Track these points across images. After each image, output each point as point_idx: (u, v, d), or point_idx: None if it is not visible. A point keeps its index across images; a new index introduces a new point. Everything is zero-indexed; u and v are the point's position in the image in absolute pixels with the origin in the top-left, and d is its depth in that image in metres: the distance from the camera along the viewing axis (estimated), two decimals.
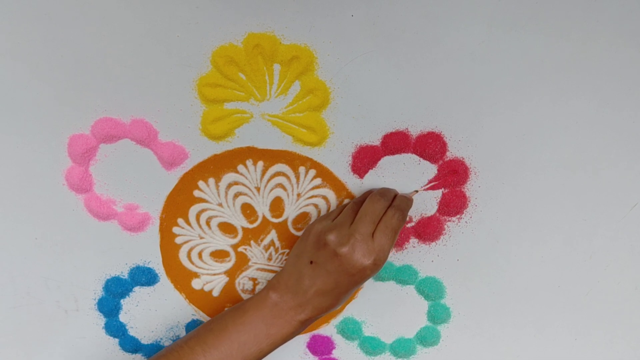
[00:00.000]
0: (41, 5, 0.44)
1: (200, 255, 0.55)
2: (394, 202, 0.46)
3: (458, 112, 0.46)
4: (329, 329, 0.58)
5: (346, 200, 0.51)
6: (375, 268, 0.44)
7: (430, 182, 0.49)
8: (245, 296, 0.57)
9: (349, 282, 0.45)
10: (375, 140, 0.48)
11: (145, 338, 0.60)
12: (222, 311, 0.57)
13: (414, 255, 0.53)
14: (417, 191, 0.49)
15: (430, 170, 0.49)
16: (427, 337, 0.57)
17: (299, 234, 0.53)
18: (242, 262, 0.55)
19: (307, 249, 0.46)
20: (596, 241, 0.51)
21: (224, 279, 0.56)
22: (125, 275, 0.56)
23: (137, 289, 0.57)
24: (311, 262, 0.45)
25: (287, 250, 0.54)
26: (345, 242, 0.43)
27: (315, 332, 0.58)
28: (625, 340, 0.55)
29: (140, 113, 0.48)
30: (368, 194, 0.48)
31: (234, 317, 0.47)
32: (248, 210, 0.52)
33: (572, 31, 0.42)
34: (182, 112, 0.48)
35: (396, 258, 0.53)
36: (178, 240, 0.54)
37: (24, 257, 0.56)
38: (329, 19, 0.43)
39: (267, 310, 0.46)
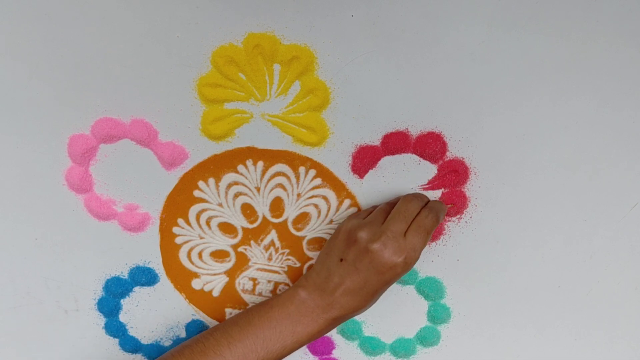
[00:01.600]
0: (41, 5, 0.44)
1: (200, 255, 0.55)
2: (428, 204, 0.47)
3: (458, 112, 0.46)
4: None
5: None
6: (406, 267, 0.44)
7: (429, 182, 0.49)
8: (245, 296, 0.57)
9: (378, 281, 0.44)
10: (375, 140, 0.48)
11: (145, 338, 0.60)
12: (223, 311, 0.57)
13: None
14: (453, 205, 0.49)
15: (430, 170, 0.49)
16: (427, 337, 0.57)
17: (299, 234, 0.53)
18: (242, 262, 0.55)
19: (337, 247, 0.46)
20: (596, 241, 0.51)
21: (224, 279, 0.56)
22: (125, 275, 0.56)
23: (137, 289, 0.57)
24: (341, 260, 0.45)
25: (287, 250, 0.54)
26: (377, 238, 0.43)
27: None
28: (625, 340, 0.55)
29: (140, 113, 0.48)
30: (399, 198, 0.48)
31: (260, 313, 0.47)
32: (248, 210, 0.52)
33: (572, 31, 0.42)
34: (182, 112, 0.48)
35: None
36: (178, 240, 0.54)
37: (24, 257, 0.56)
38: (329, 19, 0.43)
39: (293, 308, 0.46)
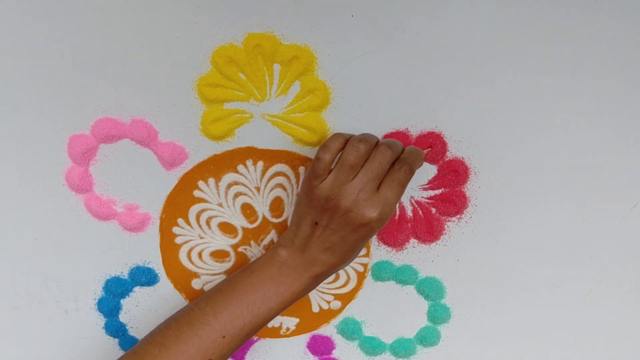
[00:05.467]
0: (41, 5, 0.44)
1: (200, 255, 0.55)
2: (402, 155, 0.45)
3: (458, 112, 0.46)
4: (329, 329, 0.58)
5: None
6: (380, 222, 0.43)
7: (430, 182, 0.49)
8: None
9: (355, 238, 0.44)
10: None
11: None
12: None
13: (414, 255, 0.53)
14: (431, 148, 0.47)
15: (430, 170, 0.49)
16: (427, 337, 0.57)
17: None
18: (242, 262, 0.55)
19: (309, 212, 0.45)
20: (596, 241, 0.51)
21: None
22: (125, 275, 0.56)
23: (137, 289, 0.57)
24: (315, 224, 0.45)
25: None
26: (349, 197, 0.43)
27: (315, 332, 0.58)
28: (625, 340, 0.55)
29: (140, 113, 0.48)
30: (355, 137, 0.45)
31: (242, 278, 0.47)
32: (248, 211, 0.52)
33: (572, 31, 0.42)
34: (182, 112, 0.48)
35: (396, 258, 0.53)
36: (178, 240, 0.54)
37: (24, 257, 0.56)
38: (329, 19, 0.43)
39: (275, 269, 0.46)
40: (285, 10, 0.43)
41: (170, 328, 0.46)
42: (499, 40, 0.43)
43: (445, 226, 0.51)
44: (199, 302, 0.47)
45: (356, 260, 0.53)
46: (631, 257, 0.51)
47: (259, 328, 0.47)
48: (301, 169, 0.50)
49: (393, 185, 0.43)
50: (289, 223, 0.53)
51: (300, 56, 0.45)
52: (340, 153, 0.44)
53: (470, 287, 0.54)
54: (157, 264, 0.56)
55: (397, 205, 0.50)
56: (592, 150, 0.47)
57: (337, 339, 0.58)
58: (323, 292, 0.55)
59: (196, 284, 0.56)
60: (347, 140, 0.44)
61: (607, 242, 0.51)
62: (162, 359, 0.44)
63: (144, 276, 0.56)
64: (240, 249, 0.54)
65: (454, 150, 0.48)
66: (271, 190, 0.51)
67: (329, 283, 0.55)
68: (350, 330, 0.57)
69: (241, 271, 0.48)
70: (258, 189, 0.51)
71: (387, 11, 0.42)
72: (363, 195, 0.43)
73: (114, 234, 0.54)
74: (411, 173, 0.44)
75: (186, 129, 0.49)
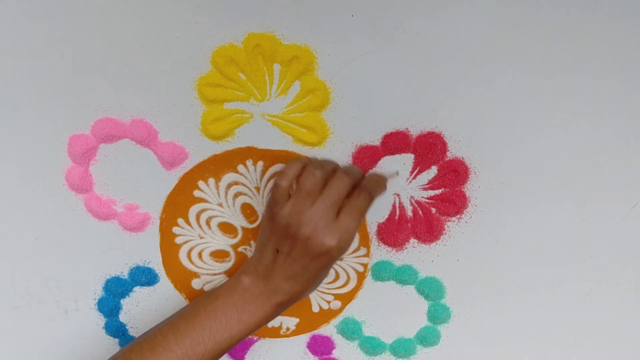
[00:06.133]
0: (41, 5, 0.44)
1: (200, 255, 0.55)
2: (362, 182, 0.45)
3: (458, 112, 0.46)
4: (329, 329, 0.58)
5: (277, 168, 0.49)
6: (340, 250, 0.43)
7: (430, 182, 0.49)
8: None
9: (316, 267, 0.44)
10: (375, 140, 0.48)
11: None
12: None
13: (414, 255, 0.53)
14: (397, 173, 0.48)
15: (430, 170, 0.49)
16: (427, 337, 0.57)
17: None
18: (242, 262, 0.55)
19: (271, 238, 0.46)
20: (596, 241, 0.51)
21: (224, 279, 0.56)
22: (125, 275, 0.56)
23: (137, 289, 0.57)
24: (277, 251, 0.45)
25: None
26: (307, 225, 0.43)
27: (315, 332, 0.58)
28: (625, 340, 0.55)
29: (140, 113, 0.48)
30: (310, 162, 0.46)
31: (205, 304, 0.47)
32: (248, 210, 0.52)
33: (572, 31, 0.42)
34: (182, 112, 0.48)
35: (396, 258, 0.53)
36: (178, 240, 0.54)
37: (24, 257, 0.56)
38: (329, 19, 0.43)
39: (238, 296, 0.46)
40: (285, 10, 0.43)
41: (133, 352, 0.46)
42: (499, 40, 0.43)
43: (445, 226, 0.51)
44: (162, 327, 0.47)
45: (356, 260, 0.54)
46: (631, 257, 0.51)
47: (221, 354, 0.47)
48: None
49: (352, 212, 0.43)
50: None
51: (300, 56, 0.45)
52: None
53: (470, 287, 0.54)
54: (157, 264, 0.56)
55: (397, 205, 0.50)
56: (592, 150, 0.47)
57: (337, 339, 0.58)
58: (323, 292, 0.55)
59: (196, 284, 0.56)
60: (305, 166, 0.44)
61: (607, 242, 0.51)
62: None
63: (144, 276, 0.56)
64: (240, 249, 0.55)
65: (454, 150, 0.48)
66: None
67: (329, 283, 0.55)
68: (350, 330, 0.57)
69: (204, 297, 0.48)
70: (258, 189, 0.51)
71: (387, 11, 0.42)
72: (322, 223, 0.42)
73: (114, 234, 0.54)
74: (370, 199, 0.44)
75: (186, 129, 0.49)
